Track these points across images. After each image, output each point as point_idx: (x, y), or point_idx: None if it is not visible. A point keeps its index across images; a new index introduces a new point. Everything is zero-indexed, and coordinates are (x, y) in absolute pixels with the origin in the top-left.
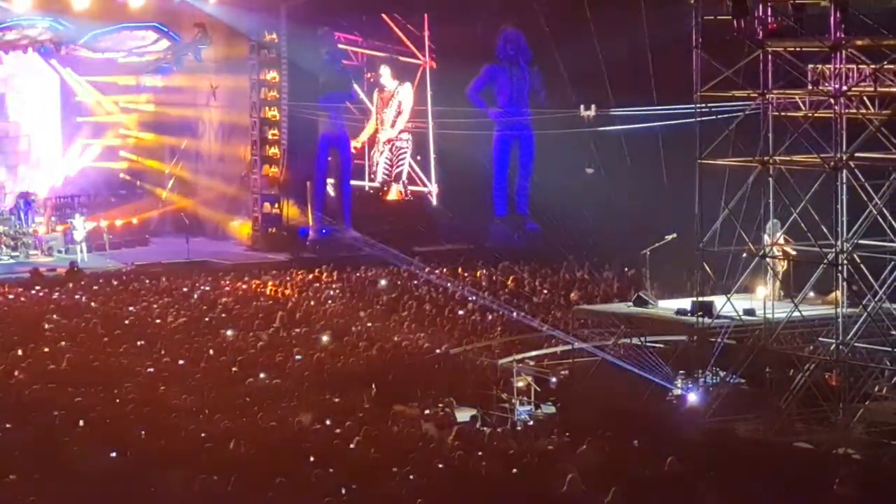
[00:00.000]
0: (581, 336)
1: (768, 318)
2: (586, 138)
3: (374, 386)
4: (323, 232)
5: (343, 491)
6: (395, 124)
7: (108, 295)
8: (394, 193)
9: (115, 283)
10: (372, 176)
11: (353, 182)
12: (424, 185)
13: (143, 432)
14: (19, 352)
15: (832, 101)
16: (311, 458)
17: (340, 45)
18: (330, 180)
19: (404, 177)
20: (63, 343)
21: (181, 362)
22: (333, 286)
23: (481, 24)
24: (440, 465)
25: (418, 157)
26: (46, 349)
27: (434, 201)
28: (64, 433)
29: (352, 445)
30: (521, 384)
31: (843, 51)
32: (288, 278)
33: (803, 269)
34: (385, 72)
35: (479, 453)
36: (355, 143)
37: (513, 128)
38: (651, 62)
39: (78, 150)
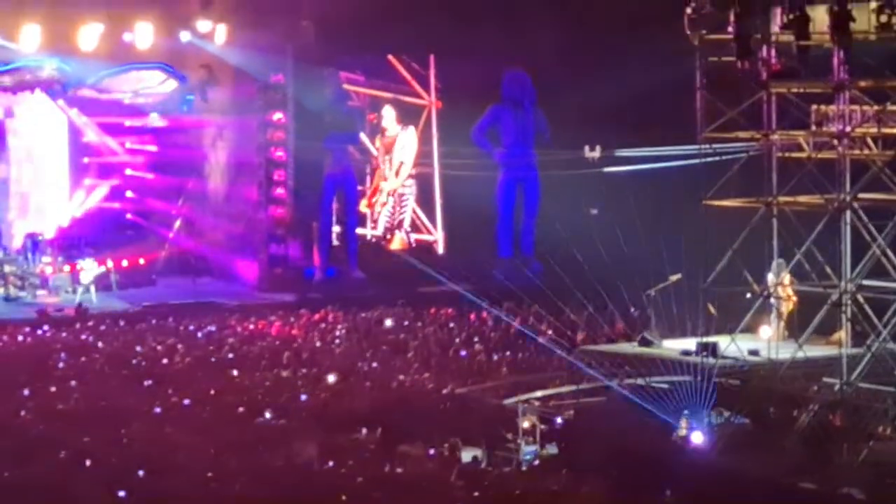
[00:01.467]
0: (586, 377)
1: (772, 359)
2: (591, 179)
3: (379, 426)
4: (329, 272)
5: None
6: (398, 174)
7: (114, 335)
8: (397, 243)
9: (122, 323)
10: (373, 224)
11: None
12: (430, 233)
13: (149, 473)
14: (25, 391)
15: (836, 141)
16: (317, 499)
17: (345, 86)
18: (336, 228)
19: (407, 224)
20: (70, 383)
21: (187, 402)
22: (339, 326)
23: (486, 64)
24: None
25: (423, 207)
26: (53, 389)
27: (440, 250)
28: (70, 473)
29: (357, 485)
30: (526, 424)
31: (847, 92)
32: (294, 319)
33: (807, 309)
34: (388, 114)
35: (484, 493)
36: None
37: (518, 168)
38: (655, 103)
39: (85, 190)
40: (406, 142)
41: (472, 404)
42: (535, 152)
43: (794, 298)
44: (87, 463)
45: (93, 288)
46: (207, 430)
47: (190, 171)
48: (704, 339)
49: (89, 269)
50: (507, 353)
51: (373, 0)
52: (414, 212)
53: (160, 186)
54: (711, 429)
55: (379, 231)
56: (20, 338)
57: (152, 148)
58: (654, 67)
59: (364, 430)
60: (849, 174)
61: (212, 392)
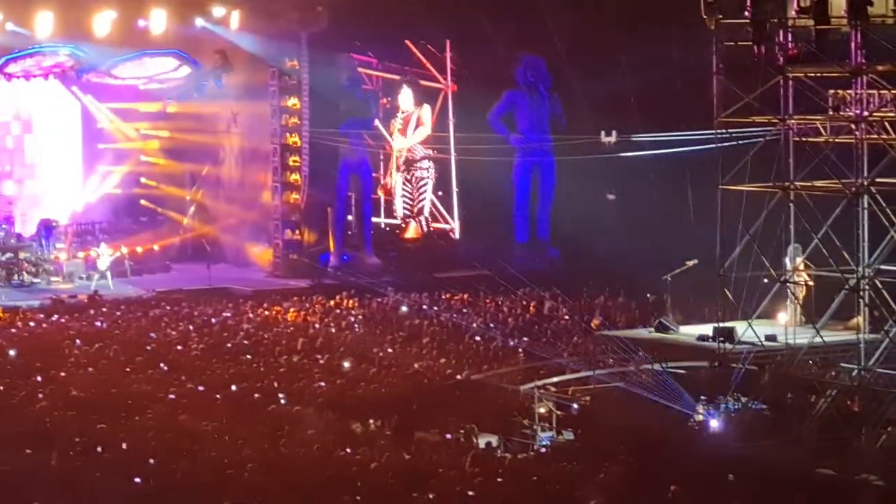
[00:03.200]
0: (602, 362)
1: (790, 344)
2: (607, 164)
3: (394, 413)
4: (344, 258)
5: None
6: (415, 135)
7: (129, 322)
8: (412, 231)
9: (137, 309)
10: (392, 211)
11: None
12: (447, 222)
13: (163, 459)
14: (39, 378)
15: (853, 126)
16: (333, 485)
17: (360, 69)
18: (350, 217)
19: (426, 212)
20: (84, 370)
21: (202, 389)
22: (354, 312)
23: (501, 50)
24: (461, 492)
25: (440, 193)
26: (68, 375)
27: (456, 237)
28: (85, 460)
29: (372, 471)
30: (542, 410)
31: (864, 76)
32: (309, 305)
33: (825, 294)
34: (405, 94)
35: (500, 480)
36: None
37: (534, 154)
38: (671, 88)
39: (99, 176)
40: (423, 113)
41: (488, 391)
42: (551, 137)
43: (810, 283)
44: (101, 450)
45: (109, 274)
46: (222, 416)
47: (204, 157)
48: (721, 325)
49: (104, 255)
50: (523, 338)
51: None
52: (432, 201)
53: (174, 172)
54: (728, 415)
55: (397, 220)
56: (34, 324)
57: (165, 133)
58: (671, 52)
59: (379, 417)
60: (866, 158)
61: (226, 378)
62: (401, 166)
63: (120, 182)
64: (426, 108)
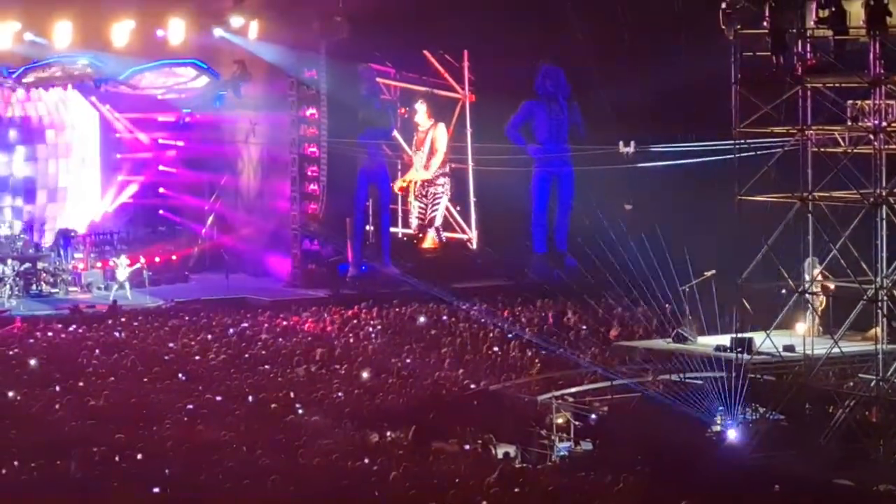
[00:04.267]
0: (620, 372)
1: (808, 355)
2: (625, 175)
3: (412, 423)
4: (363, 268)
5: None
6: (428, 166)
7: (147, 332)
8: (429, 241)
9: (155, 319)
10: (407, 222)
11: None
12: (464, 232)
13: (181, 469)
14: (57, 388)
15: (871, 136)
16: (350, 495)
17: (378, 79)
18: (368, 227)
19: (438, 222)
20: (103, 380)
21: (220, 399)
22: (373, 323)
23: (520, 60)
24: (478, 502)
25: (458, 207)
26: (86, 385)
27: (474, 247)
28: (103, 469)
29: (390, 481)
30: (560, 420)
31: (883, 86)
32: (327, 315)
33: (843, 305)
34: (421, 108)
35: (518, 490)
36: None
37: (552, 164)
38: (690, 98)
39: (117, 186)
40: (437, 135)
41: (506, 401)
42: (569, 148)
43: (824, 296)
44: (119, 459)
45: (128, 284)
46: (240, 426)
47: (222, 167)
48: (739, 335)
49: (123, 265)
50: (541, 349)
51: None
52: (448, 209)
53: (193, 182)
54: (746, 425)
55: (412, 230)
56: (52, 334)
57: (180, 143)
58: (689, 63)
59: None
60: (885, 169)
61: (244, 388)
62: (418, 193)
63: (138, 192)
64: (441, 128)
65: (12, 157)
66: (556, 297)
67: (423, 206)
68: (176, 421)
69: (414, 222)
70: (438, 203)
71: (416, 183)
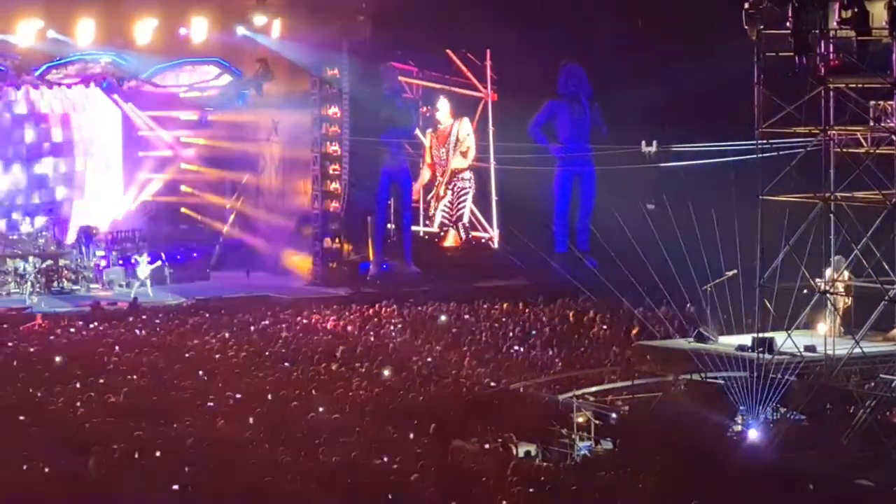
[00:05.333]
0: (641, 371)
1: (829, 355)
2: (647, 174)
3: (433, 421)
4: (384, 267)
5: None
6: (466, 155)
7: (168, 329)
8: (451, 239)
9: (176, 317)
10: (428, 222)
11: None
12: (486, 231)
13: (201, 468)
14: (78, 385)
15: (894, 137)
16: (370, 495)
17: (400, 78)
18: (390, 225)
19: (465, 220)
20: (123, 377)
21: (240, 396)
22: (394, 321)
23: (542, 59)
24: (499, 501)
25: (480, 206)
26: (106, 382)
27: (495, 246)
28: (123, 466)
29: (410, 480)
30: (581, 420)
31: None
32: (348, 313)
33: (864, 305)
34: (443, 106)
35: (539, 489)
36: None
37: (574, 164)
38: (712, 98)
39: (139, 184)
40: (462, 129)
41: (527, 399)
42: (591, 147)
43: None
44: (139, 456)
45: (149, 282)
46: (260, 424)
47: (244, 165)
48: (760, 335)
49: (144, 263)
50: (562, 348)
51: None
52: (471, 210)
53: (215, 181)
54: (767, 425)
55: (434, 228)
56: (73, 331)
57: (202, 141)
58: (712, 62)
59: (417, 425)
60: None
61: (265, 386)
62: (444, 192)
63: (160, 190)
64: (465, 123)
65: (34, 155)
66: (578, 296)
67: (449, 203)
68: (196, 418)
69: (438, 219)
70: (465, 199)
71: (440, 183)
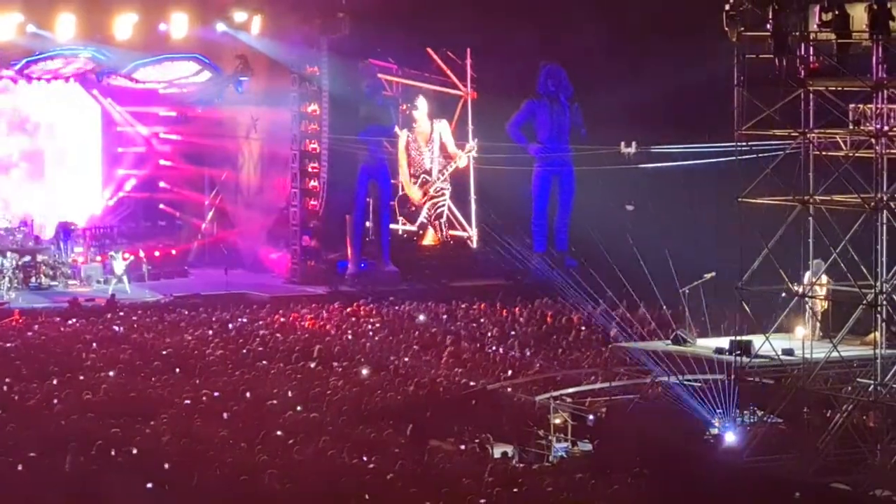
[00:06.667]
0: (619, 373)
1: (807, 359)
2: (626, 175)
3: (410, 421)
4: (362, 266)
5: None
6: (443, 171)
7: (145, 326)
8: (429, 238)
9: (153, 314)
10: (404, 220)
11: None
12: (464, 230)
13: (178, 464)
14: (55, 381)
15: (873, 140)
16: (347, 494)
17: (379, 75)
18: (368, 224)
19: (443, 219)
20: (100, 374)
21: (217, 394)
22: (372, 320)
23: (522, 58)
24: (474, 501)
25: (458, 205)
26: (84, 379)
27: (474, 245)
28: (100, 464)
29: (386, 479)
30: (558, 421)
31: (886, 91)
32: (326, 312)
33: (842, 309)
34: (421, 105)
35: (515, 490)
36: (395, 182)
37: (553, 164)
38: (692, 100)
39: (117, 180)
40: (441, 130)
41: (504, 400)
42: (570, 147)
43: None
44: (115, 454)
45: (126, 278)
46: (237, 422)
47: (223, 162)
48: (738, 338)
49: (119, 258)
50: (540, 348)
51: None
52: (449, 208)
53: (193, 177)
54: (744, 428)
55: (414, 227)
56: (51, 327)
57: (176, 137)
58: (691, 64)
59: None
60: (886, 173)
61: (242, 384)
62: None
63: (138, 186)
64: (444, 125)
65: (12, 149)
66: (556, 296)
67: (432, 203)
68: (173, 416)
69: (420, 219)
70: (443, 197)
71: (424, 184)
